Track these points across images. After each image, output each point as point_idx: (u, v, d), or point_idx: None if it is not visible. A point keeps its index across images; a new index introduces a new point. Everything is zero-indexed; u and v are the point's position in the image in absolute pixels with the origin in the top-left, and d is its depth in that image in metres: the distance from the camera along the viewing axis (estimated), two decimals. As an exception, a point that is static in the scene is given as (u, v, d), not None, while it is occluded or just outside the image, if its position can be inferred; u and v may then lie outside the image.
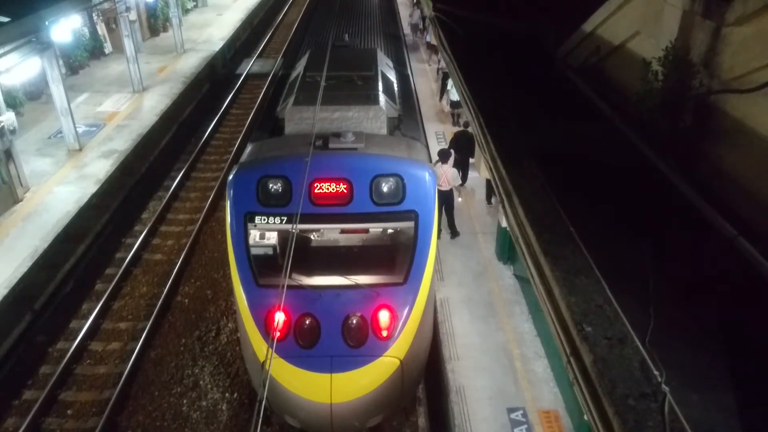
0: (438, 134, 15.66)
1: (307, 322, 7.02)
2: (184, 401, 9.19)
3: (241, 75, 23.39)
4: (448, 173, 11.03)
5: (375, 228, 7.92)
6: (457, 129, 13.92)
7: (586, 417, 4.87)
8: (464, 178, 12.77)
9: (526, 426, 7.68)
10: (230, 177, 7.56)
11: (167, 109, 17.78)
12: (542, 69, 11.41)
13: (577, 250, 6.04)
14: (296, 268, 7.00)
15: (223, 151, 17.37)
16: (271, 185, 7.28)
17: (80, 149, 14.81)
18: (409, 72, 12.11)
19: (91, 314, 10.66)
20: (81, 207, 12.50)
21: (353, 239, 8.20)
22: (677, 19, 7.68)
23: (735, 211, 6.54)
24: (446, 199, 11.25)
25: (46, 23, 13.43)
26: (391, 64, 10.94)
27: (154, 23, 25.47)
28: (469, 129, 12.42)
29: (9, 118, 12.33)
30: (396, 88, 9.88)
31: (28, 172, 13.28)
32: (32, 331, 10.44)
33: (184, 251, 12.40)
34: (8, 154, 12.32)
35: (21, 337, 10.21)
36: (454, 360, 8.75)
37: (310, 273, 7.37)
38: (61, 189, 13.13)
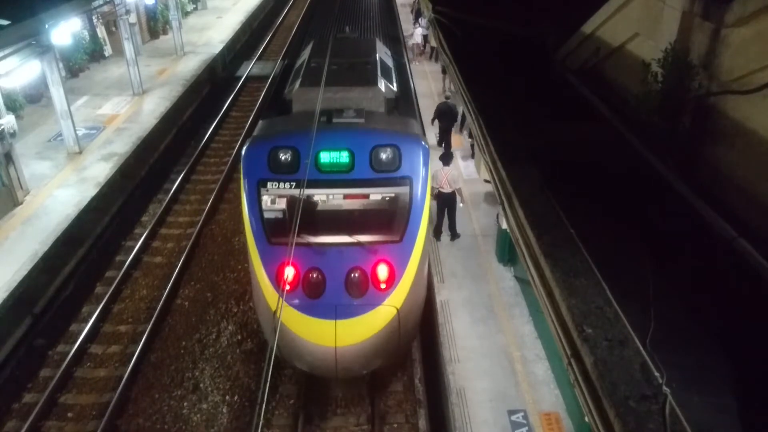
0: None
1: (314, 275, 7.83)
2: (185, 404, 9.18)
3: (240, 77, 23.41)
4: (449, 175, 11.03)
5: (374, 193, 8.70)
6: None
7: (586, 419, 4.87)
8: (447, 146, 14.22)
9: (526, 428, 7.67)
10: (244, 148, 8.37)
11: (167, 112, 17.79)
12: (542, 71, 11.42)
13: (577, 252, 6.04)
14: (304, 229, 7.58)
15: (222, 153, 17.38)
16: (281, 155, 8.09)
17: (80, 152, 14.81)
18: (406, 60, 13.14)
19: (91, 317, 10.66)
20: (81, 210, 12.50)
21: (355, 204, 8.94)
22: (676, 21, 7.69)
23: (734, 212, 6.54)
24: (447, 201, 11.26)
25: (46, 26, 13.42)
26: (389, 52, 11.81)
27: (154, 26, 25.50)
28: (451, 100, 14.22)
29: (9, 121, 12.33)
30: (393, 73, 10.62)
31: (27, 175, 13.28)
32: (32, 334, 10.43)
33: (184, 254, 12.39)
34: (8, 157, 12.32)
35: (21, 341, 10.19)
36: (455, 362, 8.74)
37: (316, 233, 8.12)
38: (60, 192, 13.13)
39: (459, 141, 15.44)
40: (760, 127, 6.56)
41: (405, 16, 23.40)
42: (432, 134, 15.17)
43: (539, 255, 6.16)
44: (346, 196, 8.80)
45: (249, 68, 24.45)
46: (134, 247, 12.66)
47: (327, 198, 8.84)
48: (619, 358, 4.72)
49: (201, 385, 9.51)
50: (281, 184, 8.13)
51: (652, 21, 8.49)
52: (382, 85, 9.35)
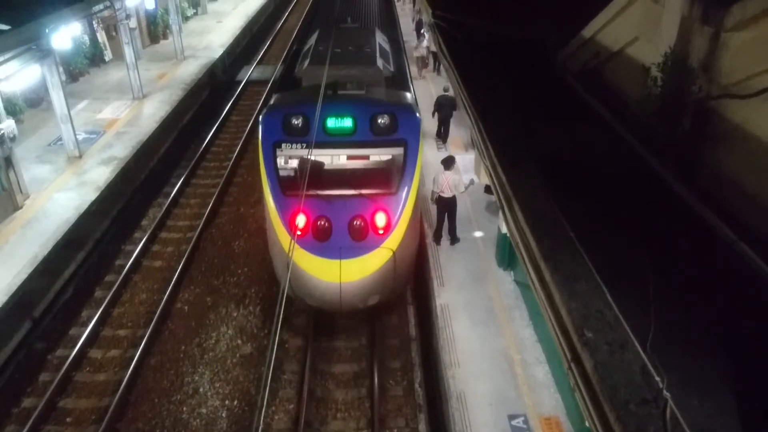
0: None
1: (322, 222, 9.14)
2: (184, 408, 9.16)
3: (241, 81, 23.44)
4: (450, 180, 11.02)
5: (373, 153, 10.13)
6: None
7: (587, 423, 4.85)
8: (445, 133, 15.61)
9: (527, 432, 7.66)
10: (261, 116, 9.84)
11: (167, 116, 17.81)
12: (542, 74, 11.43)
13: (577, 255, 6.03)
14: (313, 183, 8.79)
15: (222, 157, 17.38)
16: (293, 120, 9.46)
17: (80, 156, 14.82)
18: (402, 46, 14.94)
19: (90, 321, 10.64)
20: (81, 214, 12.50)
21: (357, 164, 10.35)
22: (676, 25, 7.70)
23: (734, 215, 6.54)
24: (448, 206, 11.25)
25: (47, 31, 13.44)
26: (386, 39, 13.45)
27: (154, 30, 25.54)
28: (449, 93, 14.93)
29: (9, 125, 12.34)
30: (390, 56, 12.30)
31: (27, 179, 13.28)
32: (31, 338, 10.42)
33: (184, 258, 12.39)
34: (8, 161, 12.32)
35: (20, 345, 10.18)
36: (455, 366, 8.73)
37: (323, 186, 9.48)
38: (60, 196, 13.13)
39: (459, 143, 15.49)
40: (759, 130, 6.56)
41: (405, 28, 23.43)
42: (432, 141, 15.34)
43: (539, 258, 6.16)
44: (349, 156, 10.25)
45: (249, 72, 24.47)
46: (134, 251, 12.65)
47: (333, 157, 10.24)
48: (619, 362, 4.71)
49: (201, 389, 9.50)
50: (294, 146, 9.51)
51: (651, 25, 8.50)
52: (380, 64, 10.96)
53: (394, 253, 9.18)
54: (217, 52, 24.27)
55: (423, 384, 9.60)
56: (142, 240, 13.03)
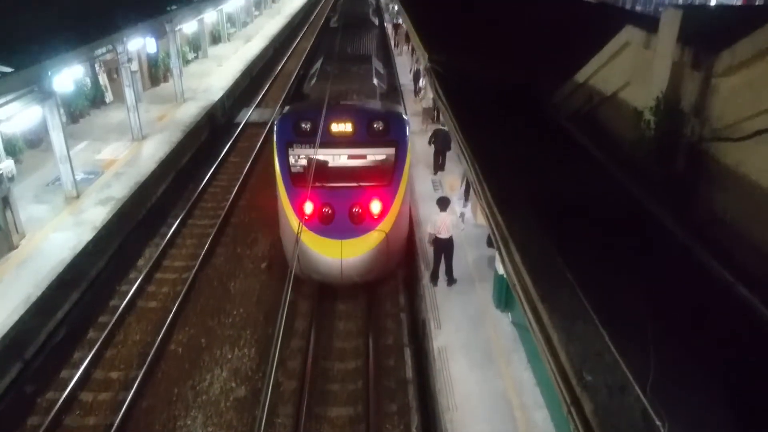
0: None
1: (326, 209, 10.93)
2: (175, 454, 8.95)
3: (239, 123, 23.72)
4: (447, 221, 11.06)
5: (370, 153, 11.91)
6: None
7: (588, 469, 4.74)
8: (442, 165, 16.54)
9: (526, 479, 7.48)
10: (276, 121, 11.94)
11: (166, 157, 17.94)
12: (537, 117, 11.59)
13: (574, 297, 6.00)
14: (319, 177, 10.78)
15: (220, 198, 17.44)
16: (302, 124, 11.35)
17: (78, 196, 14.86)
18: (395, 72, 17.81)
19: (82, 363, 10.48)
20: (76, 253, 12.45)
21: (356, 161, 12.04)
22: (667, 70, 7.85)
23: (731, 256, 6.54)
24: (445, 247, 11.25)
25: (49, 73, 13.65)
26: (381, 65, 15.92)
27: (155, 73, 25.97)
28: (444, 127, 15.78)
29: (8, 165, 12.43)
30: (384, 77, 14.77)
31: (24, 219, 13.28)
32: (21, 380, 10.23)
33: (179, 298, 12.29)
34: (5, 201, 12.34)
35: (10, 387, 10.00)
36: (453, 410, 8.58)
37: (328, 180, 11.19)
38: (57, 235, 13.11)
39: (454, 184, 15.59)
40: (753, 172, 6.63)
41: (403, 74, 23.94)
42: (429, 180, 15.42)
43: (536, 300, 6.12)
44: (349, 155, 11.96)
45: (248, 114, 24.79)
46: (129, 292, 12.55)
47: (335, 155, 11.88)
48: (619, 405, 4.63)
49: (193, 433, 9.30)
50: (303, 146, 11.35)
51: (643, 70, 8.67)
52: (375, 82, 13.32)
53: (387, 234, 10.99)
54: (217, 95, 24.63)
55: (420, 428, 9.41)
56: (137, 280, 12.95)
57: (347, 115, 11.44)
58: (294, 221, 10.78)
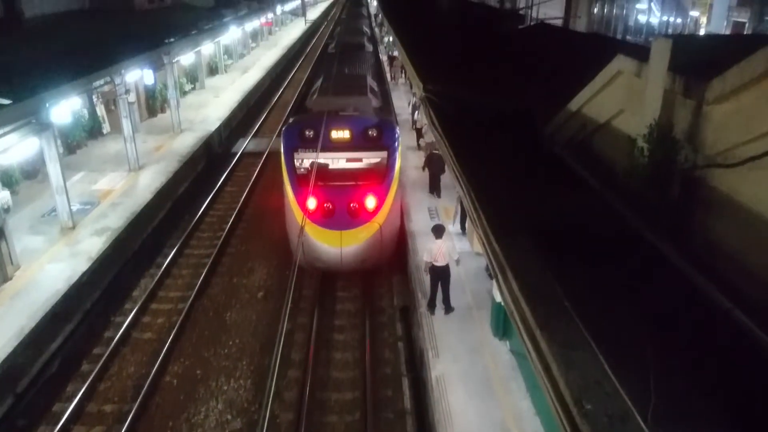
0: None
1: (327, 204, 12.40)
2: (169, 489, 8.76)
3: (236, 153, 23.82)
4: (443, 248, 11.05)
5: (365, 156, 13.44)
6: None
7: (590, 500, 4.65)
8: (437, 190, 17.07)
9: None
10: (283, 130, 13.58)
11: (162, 187, 17.96)
12: (531, 145, 11.68)
13: (572, 324, 5.96)
14: (321, 178, 12.19)
15: (216, 227, 17.43)
16: (306, 132, 12.89)
17: (73, 227, 14.82)
18: (388, 88, 21.13)
19: (75, 396, 10.32)
20: (71, 285, 12.36)
21: (353, 164, 13.49)
22: (659, 98, 7.95)
23: (728, 281, 6.54)
24: (442, 274, 11.22)
25: (47, 105, 13.72)
26: (375, 83, 17.70)
27: (153, 104, 26.15)
28: (438, 151, 15.88)
29: (4, 196, 12.42)
30: (378, 94, 16.40)
31: (19, 250, 13.21)
32: (13, 414, 10.06)
33: (175, 329, 12.17)
34: (0, 232, 12.29)
35: (1, 421, 9.82)
36: (452, 441, 8.45)
37: (328, 180, 12.73)
38: (52, 267, 13.03)
39: (452, 214, 15.61)
40: (746, 198, 6.67)
41: (399, 105, 24.20)
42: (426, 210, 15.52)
43: (534, 328, 6.08)
44: (347, 159, 13.42)
45: (245, 144, 24.92)
46: (123, 323, 12.44)
47: (335, 159, 13.36)
48: (620, 435, 4.57)
49: (187, 468, 9.12)
50: (307, 150, 12.79)
51: (636, 98, 8.78)
52: (370, 97, 14.80)
53: (380, 226, 12.49)
54: (214, 125, 24.79)
55: (419, 460, 9.27)
56: (132, 311, 12.85)
57: (345, 124, 13.04)
58: (299, 216, 11.97)
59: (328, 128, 12.47)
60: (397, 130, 13.49)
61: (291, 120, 14.44)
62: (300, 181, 12.58)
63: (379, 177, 12.87)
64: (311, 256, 12.54)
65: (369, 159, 13.47)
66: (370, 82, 16.88)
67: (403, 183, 16.69)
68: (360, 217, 12.38)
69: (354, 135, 13.01)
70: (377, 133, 13.05)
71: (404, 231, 14.80)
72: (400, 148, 13.37)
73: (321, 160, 12.51)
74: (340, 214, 12.32)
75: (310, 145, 12.51)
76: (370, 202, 12.43)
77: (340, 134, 12.94)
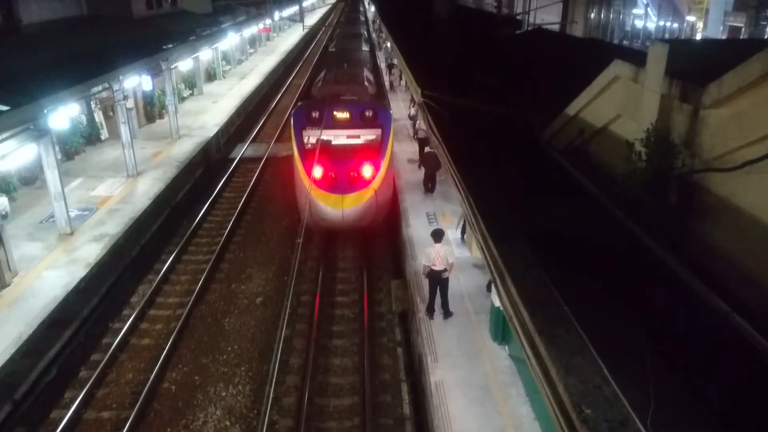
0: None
1: (330, 173, 14.65)
2: (168, 496, 8.73)
3: (234, 159, 23.82)
4: (442, 252, 11.05)
5: (362, 133, 15.73)
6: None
7: (590, 506, 4.64)
8: (432, 187, 17.78)
9: None
10: (293, 111, 16.08)
11: (160, 193, 17.95)
12: (529, 150, 11.70)
13: (571, 329, 5.96)
14: (325, 152, 14.50)
15: (215, 233, 17.40)
16: (313, 113, 15.32)
17: (71, 233, 14.80)
18: (382, 80, 25.74)
19: (73, 403, 10.29)
20: (69, 291, 12.33)
21: (352, 140, 15.78)
22: (656, 103, 7.98)
23: (726, 286, 6.54)
24: (439, 279, 11.21)
25: (45, 111, 13.71)
26: (371, 74, 20.72)
27: (151, 110, 26.16)
28: (433, 150, 16.68)
29: (1, 203, 12.39)
30: (373, 82, 19.46)
31: (17, 257, 13.18)
32: (11, 421, 10.02)
33: (173, 336, 12.14)
34: (-2, 239, 12.27)
35: (0, 428, 9.79)
36: (451, 447, 8.42)
37: (331, 154, 14.97)
38: (49, 273, 13.00)
39: (450, 219, 15.62)
40: (743, 202, 6.68)
41: (398, 113, 24.27)
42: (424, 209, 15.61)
43: (534, 333, 6.07)
44: (347, 135, 15.70)
45: (243, 150, 24.92)
46: (122, 329, 12.41)
47: (337, 135, 15.61)
48: (620, 440, 4.56)
49: (186, 475, 9.09)
50: (313, 128, 14.97)
51: (633, 103, 8.81)
52: (367, 85, 17.95)
53: (376, 191, 14.74)
54: (212, 131, 24.79)
55: (418, 466, 9.24)
56: (130, 318, 12.82)
57: (345, 106, 15.48)
58: (306, 182, 14.26)
59: (331, 110, 15.13)
60: (390, 112, 16.11)
61: (299, 104, 17.11)
62: (307, 154, 14.75)
63: (374, 150, 15.23)
64: (317, 217, 14.64)
65: (365, 135, 15.73)
66: (366, 74, 20.11)
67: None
68: (358, 184, 14.60)
69: (353, 115, 15.37)
70: (372, 114, 15.39)
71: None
72: (392, 126, 15.78)
73: (325, 137, 14.79)
74: (341, 181, 14.56)
75: (316, 124, 14.86)
76: (367, 170, 14.69)
77: (341, 115, 15.31)
